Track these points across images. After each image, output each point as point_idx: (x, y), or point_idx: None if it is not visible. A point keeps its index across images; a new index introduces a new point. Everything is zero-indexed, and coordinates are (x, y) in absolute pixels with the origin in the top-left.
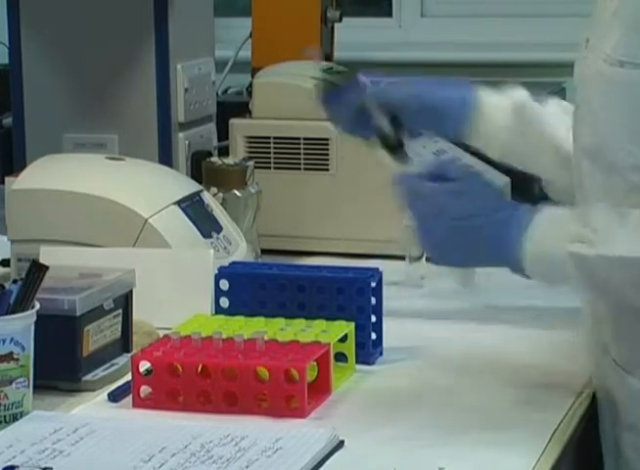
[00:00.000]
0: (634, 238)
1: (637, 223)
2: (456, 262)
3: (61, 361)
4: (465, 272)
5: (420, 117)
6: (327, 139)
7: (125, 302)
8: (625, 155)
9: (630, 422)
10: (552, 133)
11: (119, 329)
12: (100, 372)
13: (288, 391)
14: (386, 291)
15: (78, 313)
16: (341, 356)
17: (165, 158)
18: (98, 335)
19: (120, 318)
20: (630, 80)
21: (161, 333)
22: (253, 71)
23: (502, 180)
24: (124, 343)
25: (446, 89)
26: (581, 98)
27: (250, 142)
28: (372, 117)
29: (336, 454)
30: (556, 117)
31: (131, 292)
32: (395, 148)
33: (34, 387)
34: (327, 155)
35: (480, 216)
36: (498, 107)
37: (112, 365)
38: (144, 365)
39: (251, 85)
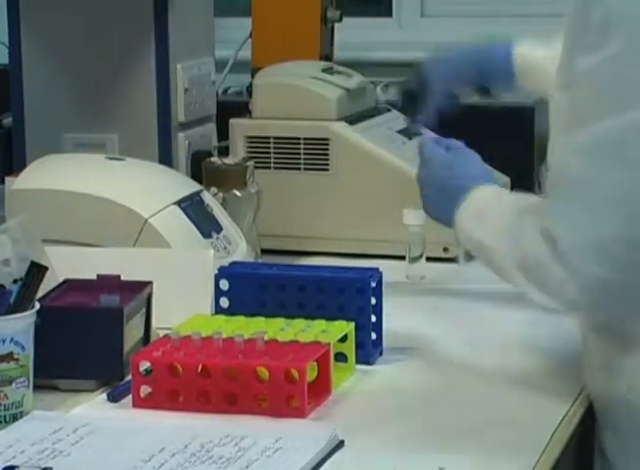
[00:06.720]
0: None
1: None
2: (434, 215)
3: (106, 358)
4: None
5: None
6: (327, 139)
7: (147, 302)
8: None
9: (613, 423)
10: None
11: (143, 328)
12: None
13: (288, 391)
14: (385, 291)
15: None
16: (341, 356)
17: (165, 158)
18: (131, 333)
19: (144, 318)
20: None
21: (161, 333)
22: (253, 71)
23: (502, 180)
24: (145, 343)
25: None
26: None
27: (250, 142)
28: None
29: (336, 454)
30: None
31: (151, 293)
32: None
33: (35, 387)
34: (327, 155)
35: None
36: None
37: None
38: (144, 365)
39: (251, 85)
